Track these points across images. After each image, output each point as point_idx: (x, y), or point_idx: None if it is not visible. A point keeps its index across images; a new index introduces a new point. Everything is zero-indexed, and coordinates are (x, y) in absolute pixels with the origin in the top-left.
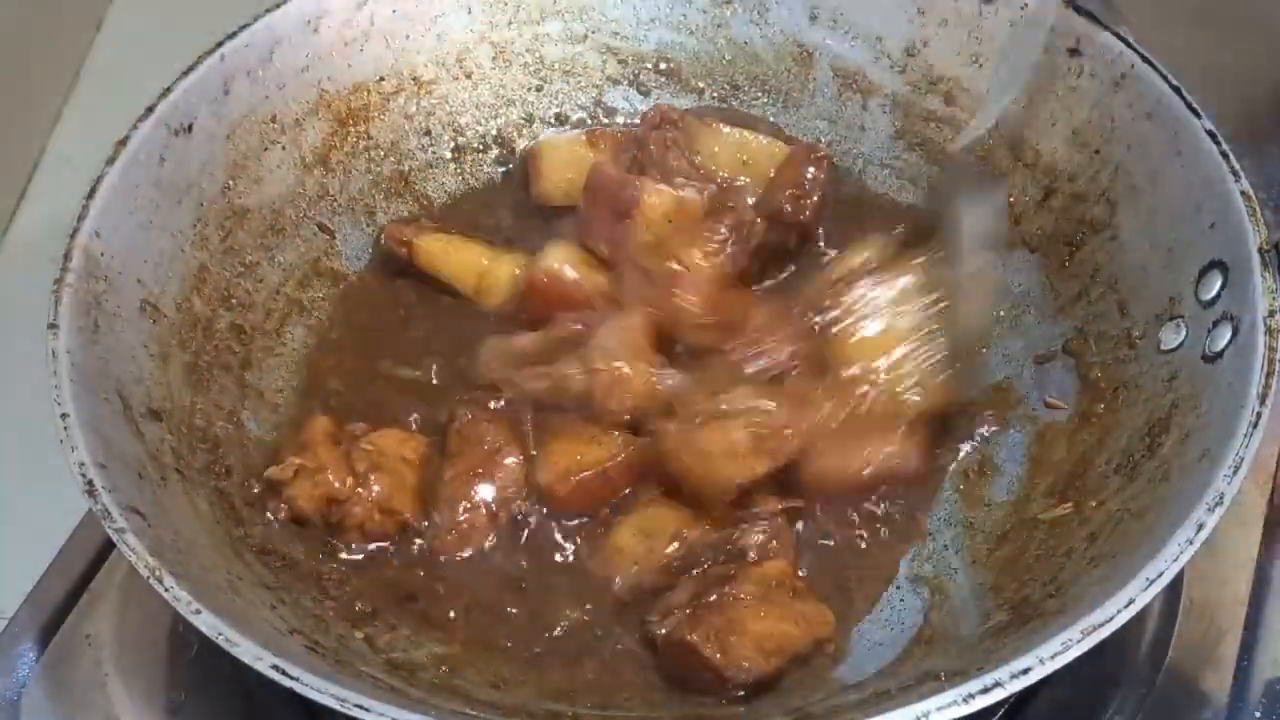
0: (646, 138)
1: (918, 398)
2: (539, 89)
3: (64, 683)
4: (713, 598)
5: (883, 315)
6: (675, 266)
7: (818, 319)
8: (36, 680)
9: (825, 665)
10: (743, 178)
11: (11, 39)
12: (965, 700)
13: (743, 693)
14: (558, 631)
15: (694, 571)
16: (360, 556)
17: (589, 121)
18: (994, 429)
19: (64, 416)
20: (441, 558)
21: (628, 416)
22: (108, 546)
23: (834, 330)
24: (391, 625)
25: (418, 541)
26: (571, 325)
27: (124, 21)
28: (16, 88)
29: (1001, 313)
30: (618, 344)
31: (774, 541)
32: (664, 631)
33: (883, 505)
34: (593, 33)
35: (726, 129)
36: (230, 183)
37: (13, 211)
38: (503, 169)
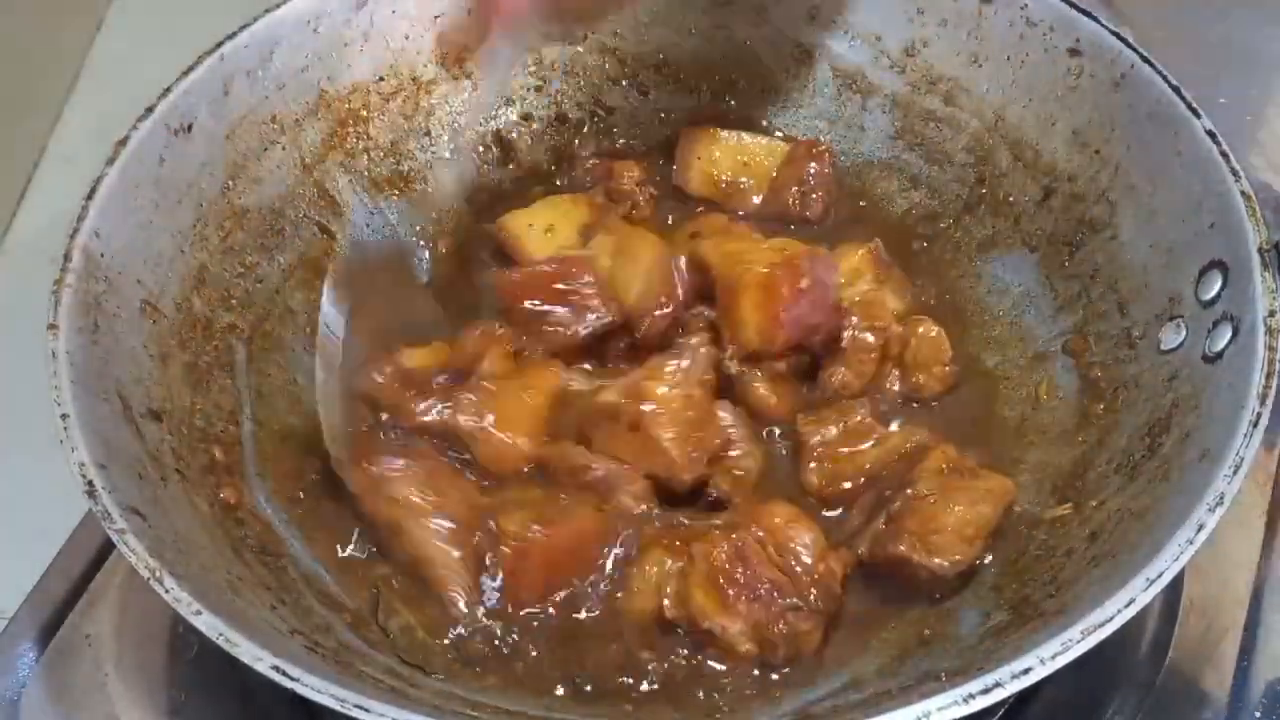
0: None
1: None
2: (538, 89)
3: (64, 683)
4: (897, 505)
5: None
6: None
7: None
8: (36, 680)
9: (1019, 535)
10: (745, 179)
11: (11, 39)
12: (966, 700)
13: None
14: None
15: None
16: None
17: (588, 121)
18: None
19: (64, 417)
20: None
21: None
22: (108, 546)
23: None
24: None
25: None
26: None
27: (124, 21)
28: (16, 88)
29: (1001, 312)
30: (514, 411)
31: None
32: (863, 552)
33: None
34: (592, 33)
35: (724, 133)
36: (230, 183)
37: (13, 211)
38: (504, 169)
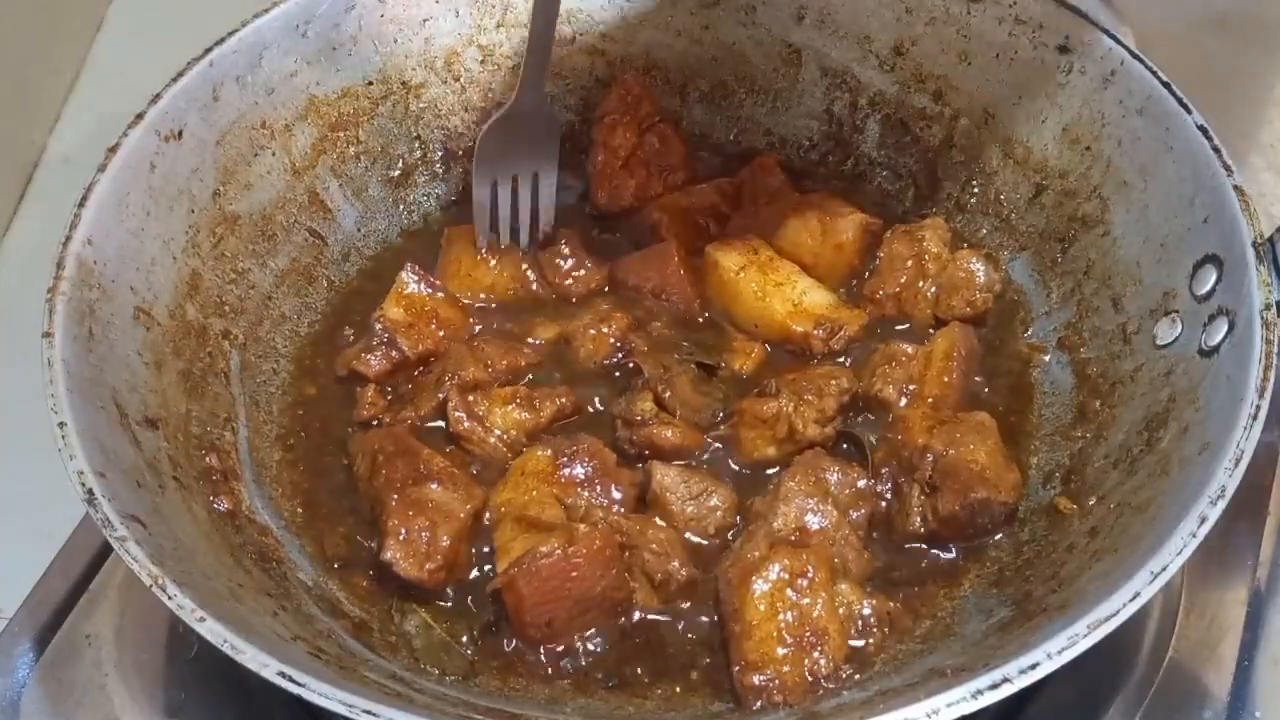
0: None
1: None
2: None
3: (64, 683)
4: (928, 473)
5: None
6: None
7: None
8: (36, 680)
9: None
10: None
11: (11, 39)
12: (974, 696)
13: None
14: None
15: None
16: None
17: (578, 123)
18: None
19: (61, 425)
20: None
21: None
22: (107, 547)
23: None
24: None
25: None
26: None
27: (124, 21)
28: (16, 88)
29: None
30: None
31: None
32: (919, 526)
33: None
34: (580, 35)
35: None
36: (221, 189)
37: (13, 211)
38: None
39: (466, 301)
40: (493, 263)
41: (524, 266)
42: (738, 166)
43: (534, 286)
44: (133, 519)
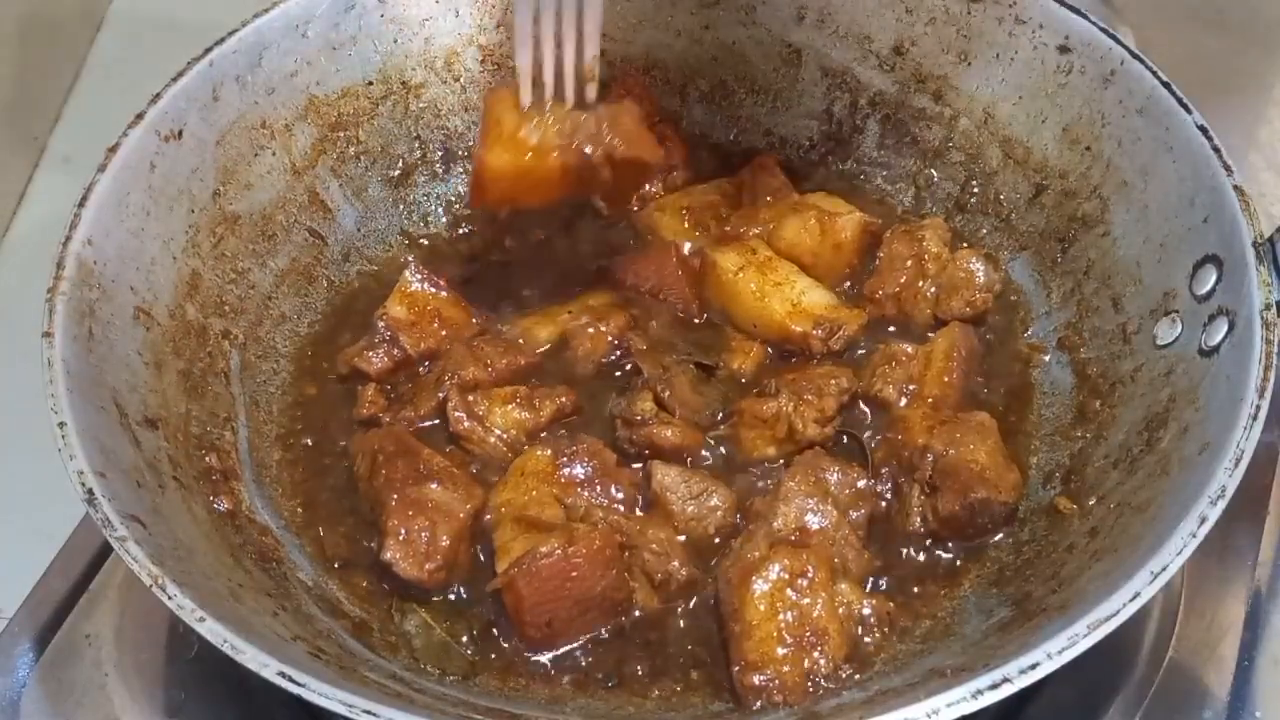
0: None
1: None
2: None
3: (64, 683)
4: (928, 472)
5: None
6: None
7: None
8: (36, 680)
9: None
10: None
11: (12, 38)
12: (974, 696)
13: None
14: None
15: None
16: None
17: None
18: None
19: (61, 425)
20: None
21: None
22: (107, 547)
23: None
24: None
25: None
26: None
27: (124, 21)
28: (16, 87)
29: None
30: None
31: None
32: (919, 526)
33: None
34: None
35: None
36: (221, 189)
37: (13, 211)
38: None
39: (517, 162)
40: (535, 124)
41: (570, 127)
42: (738, 166)
43: (586, 150)
44: (133, 519)
